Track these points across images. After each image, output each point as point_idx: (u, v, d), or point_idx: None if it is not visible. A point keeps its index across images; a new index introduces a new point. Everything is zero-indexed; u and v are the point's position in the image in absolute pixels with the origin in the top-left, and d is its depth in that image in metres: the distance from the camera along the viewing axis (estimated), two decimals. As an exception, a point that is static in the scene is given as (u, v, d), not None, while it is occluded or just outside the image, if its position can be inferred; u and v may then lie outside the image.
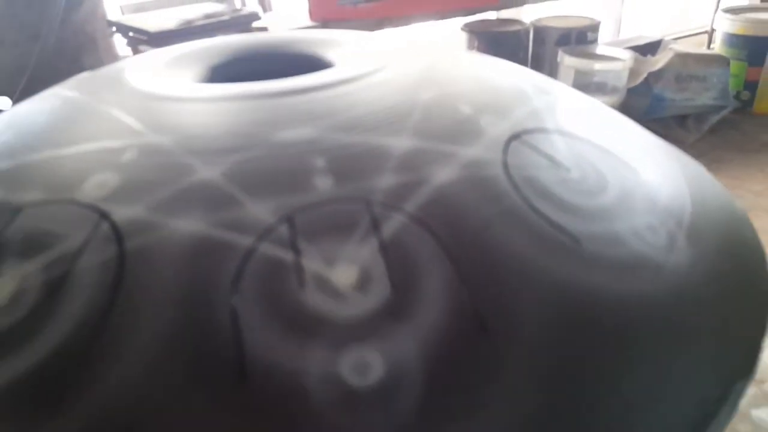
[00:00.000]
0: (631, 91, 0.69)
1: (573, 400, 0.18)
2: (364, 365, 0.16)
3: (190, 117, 0.23)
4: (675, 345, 0.20)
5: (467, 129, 0.23)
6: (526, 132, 0.23)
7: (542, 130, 0.24)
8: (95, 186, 0.19)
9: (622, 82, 0.68)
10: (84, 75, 0.31)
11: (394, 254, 0.18)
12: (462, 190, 0.20)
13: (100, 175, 0.20)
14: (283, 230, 0.18)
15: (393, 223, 0.19)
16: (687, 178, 0.27)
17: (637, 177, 0.24)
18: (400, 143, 0.21)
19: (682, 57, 0.70)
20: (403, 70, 0.27)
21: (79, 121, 0.24)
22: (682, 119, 0.72)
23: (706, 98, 0.71)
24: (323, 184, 0.20)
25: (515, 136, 0.23)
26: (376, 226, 0.19)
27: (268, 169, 0.20)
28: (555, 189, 0.21)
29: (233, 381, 0.16)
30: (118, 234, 0.18)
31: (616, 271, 0.20)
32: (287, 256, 0.18)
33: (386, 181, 0.20)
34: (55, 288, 0.17)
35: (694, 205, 0.25)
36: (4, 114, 0.27)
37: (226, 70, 0.30)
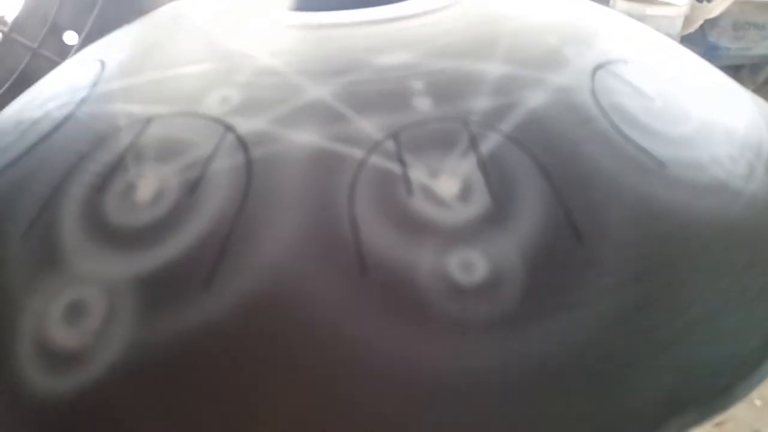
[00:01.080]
0: (685, 39, 0.67)
1: (649, 305, 0.19)
2: (470, 264, 0.18)
3: (295, 42, 0.24)
4: (749, 266, 0.21)
5: (554, 58, 0.24)
6: (610, 62, 0.24)
7: (625, 61, 0.25)
8: (218, 101, 0.21)
9: (676, 29, 0.66)
10: (172, 6, 0.32)
11: (492, 168, 0.20)
12: (553, 113, 0.21)
13: (220, 91, 0.21)
14: (390, 145, 0.20)
15: (490, 141, 0.20)
16: (762, 114, 0.27)
17: (716, 110, 0.25)
18: (493, 68, 0.23)
19: (742, 4, 0.68)
20: (480, 2, 0.28)
21: (191, 43, 0.25)
22: (736, 70, 0.70)
23: (764, 48, 0.69)
24: (423, 104, 0.21)
25: (600, 66, 0.24)
26: (474, 143, 0.20)
27: (372, 90, 0.21)
28: (640, 116, 0.22)
29: (356, 272, 0.18)
30: (243, 143, 0.20)
31: (697, 192, 0.21)
32: (395, 167, 0.19)
33: (482, 102, 0.21)
34: (192, 187, 0.19)
35: None
36: (111, 37, 0.28)
37: (310, 1, 0.31)
